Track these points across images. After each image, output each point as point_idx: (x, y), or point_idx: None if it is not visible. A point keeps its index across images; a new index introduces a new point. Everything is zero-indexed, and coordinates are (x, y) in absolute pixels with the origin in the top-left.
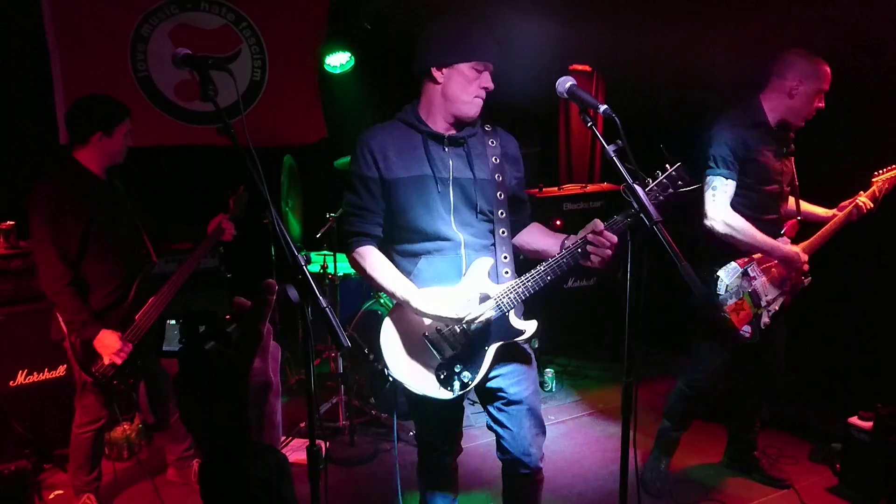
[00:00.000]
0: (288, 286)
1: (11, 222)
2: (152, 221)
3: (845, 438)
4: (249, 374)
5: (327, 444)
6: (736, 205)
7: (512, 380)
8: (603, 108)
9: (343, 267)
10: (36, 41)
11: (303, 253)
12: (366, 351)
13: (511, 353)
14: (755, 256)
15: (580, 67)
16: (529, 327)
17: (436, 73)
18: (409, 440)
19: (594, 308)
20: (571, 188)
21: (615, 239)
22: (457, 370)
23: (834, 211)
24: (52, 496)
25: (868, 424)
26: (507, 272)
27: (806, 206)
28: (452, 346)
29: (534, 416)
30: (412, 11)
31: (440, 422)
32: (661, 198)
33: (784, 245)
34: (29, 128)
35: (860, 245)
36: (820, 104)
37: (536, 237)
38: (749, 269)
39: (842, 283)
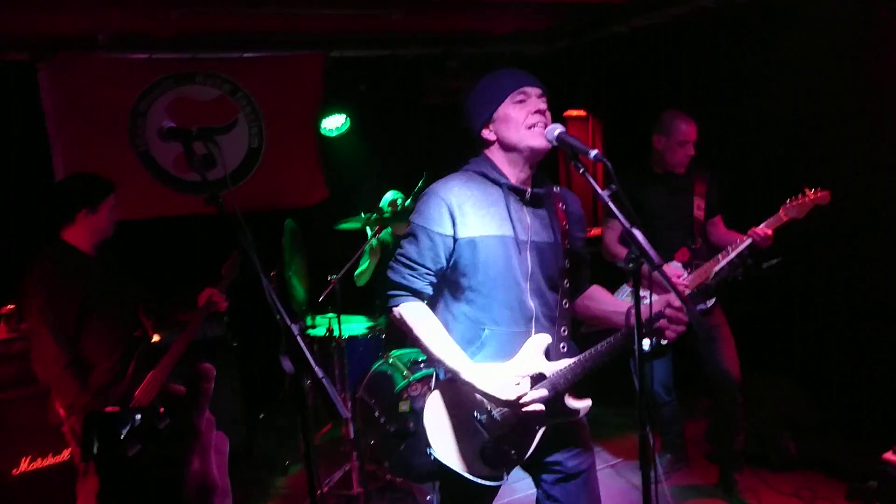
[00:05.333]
0: (282, 357)
1: (11, 306)
2: (148, 294)
3: (881, 475)
4: (184, 480)
5: None
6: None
7: (569, 452)
8: (593, 153)
9: (349, 328)
10: (34, 123)
11: (308, 318)
12: (376, 414)
13: (567, 423)
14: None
15: (575, 113)
16: (583, 407)
17: (486, 134)
18: None
19: None
20: None
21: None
22: (504, 449)
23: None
24: None
25: None
26: (563, 347)
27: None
28: (502, 426)
29: (592, 491)
30: (407, 70)
31: None
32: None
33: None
34: (29, 209)
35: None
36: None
37: (599, 302)
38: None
39: (870, 315)
